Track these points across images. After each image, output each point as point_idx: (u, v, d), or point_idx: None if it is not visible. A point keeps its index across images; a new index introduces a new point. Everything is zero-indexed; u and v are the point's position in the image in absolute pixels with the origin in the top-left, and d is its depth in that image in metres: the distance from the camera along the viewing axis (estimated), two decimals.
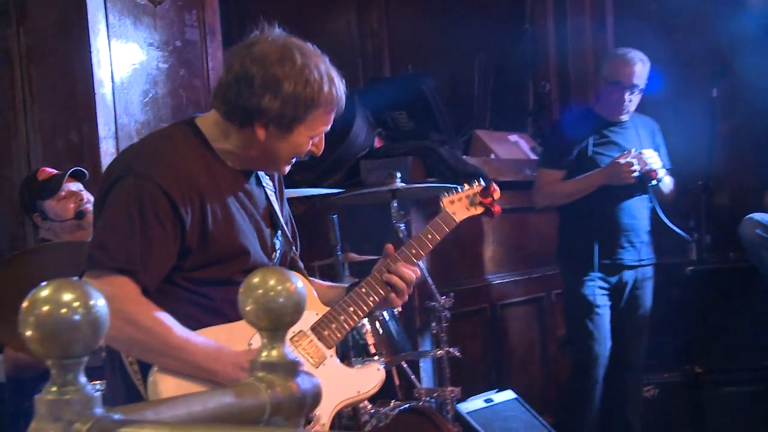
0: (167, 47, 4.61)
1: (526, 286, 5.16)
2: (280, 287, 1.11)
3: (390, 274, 2.40)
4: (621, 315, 4.36)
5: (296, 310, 1.11)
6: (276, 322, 1.11)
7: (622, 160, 4.14)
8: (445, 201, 2.65)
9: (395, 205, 3.65)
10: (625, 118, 4.33)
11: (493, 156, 5.24)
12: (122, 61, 4.41)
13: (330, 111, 2.25)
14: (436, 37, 6.39)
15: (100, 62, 4.31)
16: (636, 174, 4.12)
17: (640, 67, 4.23)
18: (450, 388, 3.73)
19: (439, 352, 3.78)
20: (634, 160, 4.11)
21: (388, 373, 3.48)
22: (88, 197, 3.44)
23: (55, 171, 3.56)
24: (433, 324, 3.84)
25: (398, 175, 3.70)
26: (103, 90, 4.31)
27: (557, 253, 4.54)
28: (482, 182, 2.73)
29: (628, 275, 4.33)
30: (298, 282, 1.12)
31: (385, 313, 3.50)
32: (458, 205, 2.66)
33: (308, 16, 6.44)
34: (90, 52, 4.26)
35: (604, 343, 4.32)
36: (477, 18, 6.22)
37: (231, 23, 5.78)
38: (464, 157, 4.94)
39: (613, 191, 4.22)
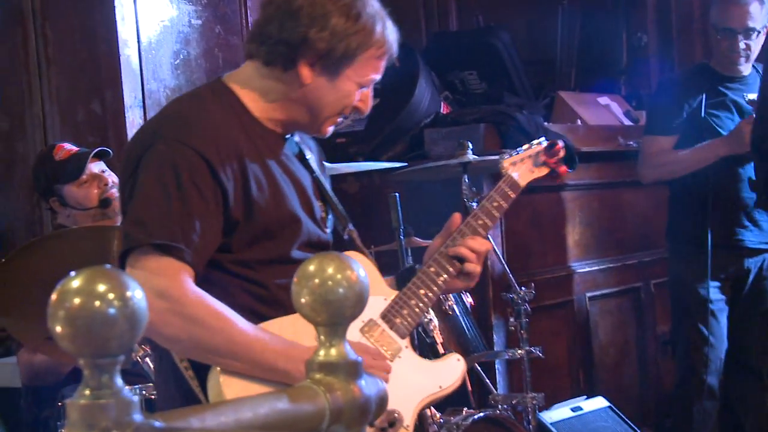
0: (200, 0, 4.64)
1: (619, 274, 5.13)
2: (339, 276, 1.11)
3: (457, 247, 2.42)
4: (741, 310, 4.32)
5: (359, 301, 1.12)
6: (335, 316, 1.12)
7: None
8: (506, 164, 2.67)
9: (466, 180, 3.65)
10: (744, 70, 4.26)
11: (579, 122, 5.22)
12: (149, 17, 4.45)
13: (382, 56, 2.27)
14: None
15: (124, 19, 4.35)
16: None
17: (756, 6, 4.16)
18: (531, 395, 3.72)
19: (518, 353, 3.76)
20: None
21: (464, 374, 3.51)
22: (113, 180, 3.46)
23: (74, 148, 3.55)
24: (511, 320, 3.81)
25: (469, 145, 3.68)
26: (128, 51, 4.35)
27: (667, 234, 4.50)
28: (544, 140, 2.76)
29: (751, 262, 4.27)
30: (361, 269, 1.12)
31: (455, 308, 3.52)
32: (521, 166, 2.68)
33: None
34: (113, 7, 4.31)
35: (720, 347, 4.28)
36: None
37: None
38: (546, 123, 4.92)
39: (731, 159, 4.16)
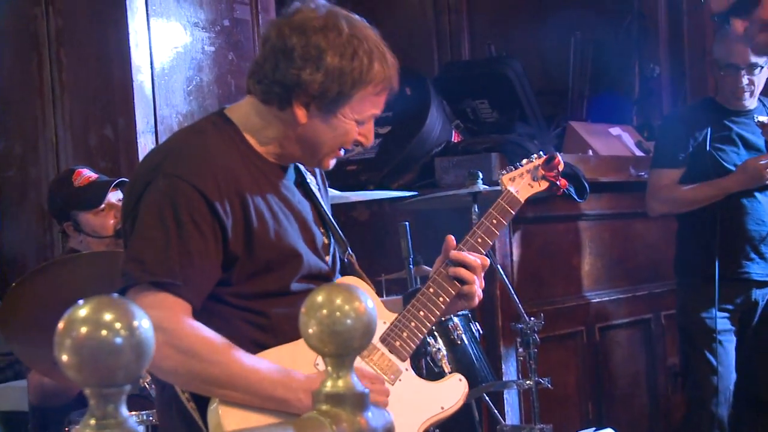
0: (214, 27, 4.66)
1: (630, 305, 5.14)
2: (347, 307, 1.11)
3: (455, 267, 2.40)
4: (750, 342, 4.32)
5: (367, 333, 1.12)
6: (343, 347, 1.12)
7: (762, 161, 4.10)
8: (505, 179, 2.66)
9: (476, 210, 3.65)
10: (750, 105, 4.29)
11: (591, 152, 5.22)
12: (163, 43, 4.47)
13: (381, 92, 2.25)
14: (524, 12, 6.40)
15: (138, 45, 4.37)
16: None
17: None
18: (539, 426, 3.70)
19: (527, 383, 3.75)
20: None
21: (468, 406, 3.49)
22: None
23: (93, 175, 3.56)
24: (520, 350, 3.79)
25: (480, 175, 3.70)
26: (142, 77, 4.37)
27: (675, 266, 4.52)
28: (542, 153, 2.75)
29: (758, 293, 4.28)
30: (369, 301, 1.12)
31: (464, 337, 3.51)
32: (519, 181, 2.67)
33: None
34: (127, 33, 4.32)
35: (728, 376, 4.27)
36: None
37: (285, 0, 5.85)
38: (557, 152, 4.91)
39: (738, 193, 4.19)
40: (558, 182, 2.72)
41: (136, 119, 4.33)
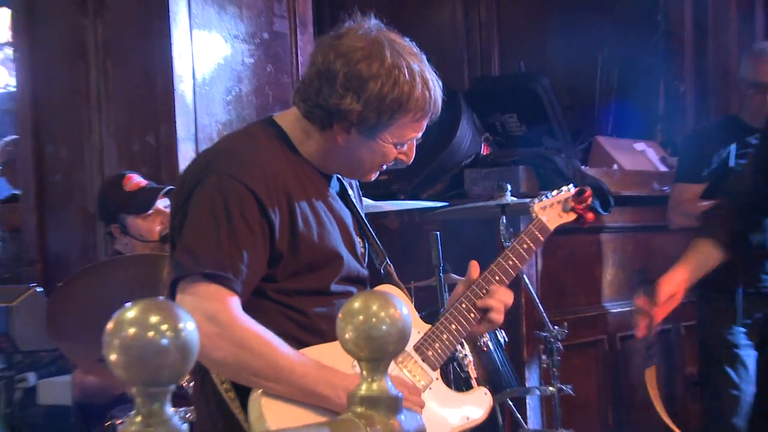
0: (254, 40, 4.68)
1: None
2: (383, 314, 1.12)
3: (485, 299, 2.43)
4: None
5: (401, 338, 1.13)
6: (378, 352, 1.13)
7: None
8: (536, 207, 2.68)
9: (504, 221, 3.65)
10: None
11: (615, 166, 5.21)
12: (204, 55, 4.49)
13: (421, 118, 2.26)
14: (553, 30, 6.36)
15: (180, 56, 4.39)
16: None
17: None
18: (561, 431, 3.73)
19: (549, 389, 3.76)
20: None
21: (492, 410, 3.50)
22: None
23: (143, 181, 3.58)
24: (543, 357, 3.82)
25: (508, 187, 3.70)
26: (183, 87, 4.40)
27: (697, 282, 4.45)
28: (573, 186, 2.78)
29: None
30: (404, 308, 1.13)
31: (490, 344, 3.51)
32: (550, 211, 2.69)
33: (409, 5, 6.51)
34: (170, 44, 4.35)
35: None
36: (600, 8, 6.20)
37: (323, 14, 5.87)
38: (583, 167, 4.92)
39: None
40: (585, 215, 2.74)
41: (177, 127, 4.35)
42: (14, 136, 5.64)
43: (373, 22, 2.26)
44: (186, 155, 4.34)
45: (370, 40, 2.21)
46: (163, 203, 3.49)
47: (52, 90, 4.74)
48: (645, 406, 4.97)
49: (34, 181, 4.75)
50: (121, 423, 2.89)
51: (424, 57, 2.26)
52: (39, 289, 3.57)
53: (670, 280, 3.10)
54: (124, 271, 3.15)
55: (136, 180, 3.55)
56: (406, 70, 2.20)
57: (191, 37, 4.44)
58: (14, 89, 6.15)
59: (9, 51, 7.93)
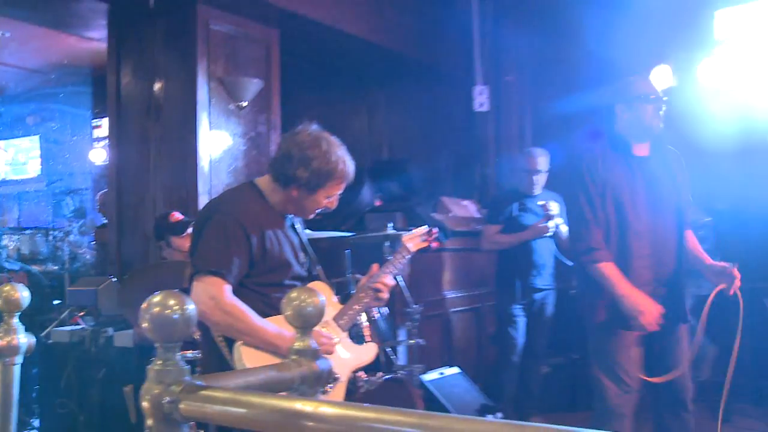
0: (246, 136, 4.65)
1: (469, 300, 5.05)
2: (309, 300, 1.10)
3: (377, 283, 2.36)
4: (532, 322, 4.28)
5: (319, 314, 1.11)
6: (306, 323, 1.11)
7: (540, 224, 4.10)
8: (405, 238, 2.58)
9: (387, 244, 3.65)
10: (537, 192, 4.28)
11: (451, 214, 5.19)
12: (217, 144, 4.45)
13: (342, 182, 2.19)
14: (418, 134, 6.39)
15: (203, 145, 4.35)
16: (551, 229, 4.07)
17: (543, 159, 4.21)
18: (417, 365, 3.72)
19: (411, 341, 3.76)
20: (551, 222, 4.07)
21: (377, 355, 3.50)
22: None
23: (181, 216, 3.49)
24: (408, 323, 3.80)
25: (390, 225, 3.69)
26: (203, 163, 4.35)
27: (495, 278, 4.45)
28: (427, 226, 2.66)
29: (538, 295, 4.24)
30: (322, 297, 1.11)
31: (377, 315, 3.53)
32: (412, 240, 2.58)
33: (335, 117, 6.51)
34: (196, 138, 4.32)
35: (520, 340, 4.26)
36: (445, 122, 6.22)
37: (287, 121, 5.88)
38: (432, 214, 4.94)
39: (528, 240, 4.18)
40: (432, 244, 2.64)
41: (198, 187, 4.31)
42: (105, 189, 5.54)
43: (314, 126, 2.22)
44: (203, 203, 4.29)
45: (313, 136, 2.17)
46: (191, 231, 3.43)
47: (128, 164, 4.63)
48: (465, 351, 5.02)
49: (116, 214, 4.64)
50: None
51: (344, 147, 2.22)
52: (114, 279, 3.49)
53: None
54: (166, 270, 3.12)
55: (178, 215, 3.49)
56: (334, 154, 2.16)
57: (210, 133, 4.41)
58: (106, 163, 6.00)
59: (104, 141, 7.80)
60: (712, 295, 2.61)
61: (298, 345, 1.11)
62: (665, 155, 2.79)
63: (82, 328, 3.51)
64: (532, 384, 4.38)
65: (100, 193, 5.97)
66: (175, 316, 0.92)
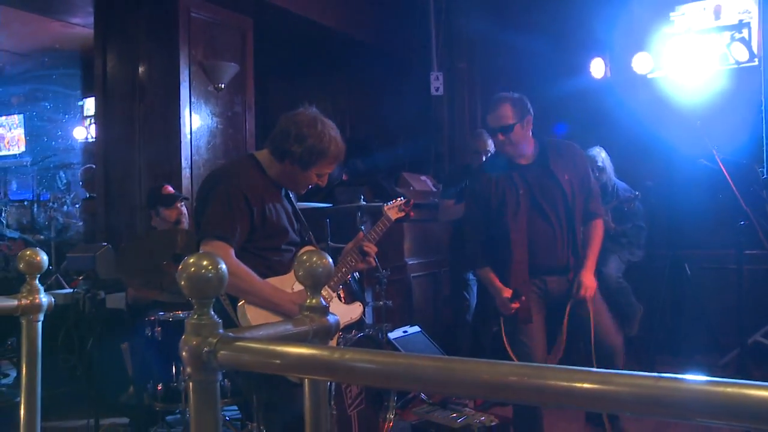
0: (223, 115, 4.61)
1: (428, 266, 5.01)
2: (319, 261, 1.11)
3: (366, 246, 2.36)
4: (482, 285, 4.26)
5: (328, 274, 1.12)
6: (317, 281, 1.12)
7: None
8: (385, 208, 2.59)
9: (359, 215, 3.63)
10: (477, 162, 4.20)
11: (412, 188, 5.22)
12: (197, 123, 4.40)
13: (333, 162, 2.17)
14: (379, 115, 6.32)
15: (184, 124, 4.30)
16: None
17: (491, 140, 4.01)
18: (385, 324, 3.73)
19: (379, 303, 3.78)
20: None
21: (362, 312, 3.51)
22: (183, 212, 3.37)
23: (173, 190, 3.44)
24: (376, 286, 3.82)
25: (361, 197, 3.67)
26: (185, 140, 4.30)
27: (449, 246, 4.46)
28: (404, 198, 2.70)
29: None
30: (329, 258, 1.11)
31: (352, 279, 3.54)
32: (392, 210, 2.59)
33: (302, 99, 6.41)
34: (180, 118, 4.27)
35: (472, 301, 4.29)
36: (404, 105, 6.17)
37: (260, 102, 5.79)
38: (395, 187, 4.97)
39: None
40: (409, 213, 2.67)
41: (182, 161, 4.26)
42: (92, 165, 5.39)
43: (313, 108, 2.19)
44: (185, 176, 4.25)
45: (311, 117, 2.15)
46: (180, 203, 3.37)
47: (115, 141, 4.54)
48: (424, 310, 5.05)
49: (104, 188, 4.55)
50: (154, 318, 2.82)
51: (337, 130, 2.20)
52: (108, 246, 3.43)
53: None
54: (156, 238, 3.08)
55: (169, 189, 3.44)
56: (328, 134, 2.14)
57: (191, 114, 4.36)
58: (93, 139, 5.85)
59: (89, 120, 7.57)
60: (568, 308, 2.70)
61: (309, 302, 1.11)
62: (550, 158, 2.71)
63: (76, 291, 3.44)
64: (483, 341, 4.43)
65: (83, 168, 5.82)
66: (210, 275, 0.92)
